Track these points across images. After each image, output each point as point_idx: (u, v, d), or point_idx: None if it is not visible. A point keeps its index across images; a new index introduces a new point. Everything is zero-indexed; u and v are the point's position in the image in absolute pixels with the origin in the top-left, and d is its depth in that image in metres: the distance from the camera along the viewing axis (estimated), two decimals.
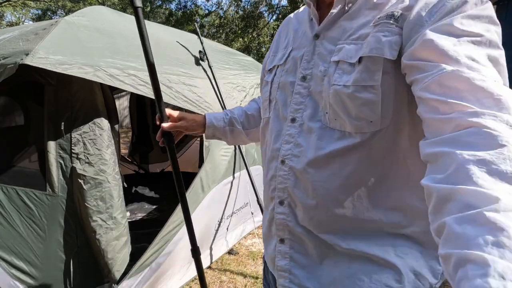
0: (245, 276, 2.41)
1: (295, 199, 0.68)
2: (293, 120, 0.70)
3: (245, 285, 2.31)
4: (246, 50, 13.42)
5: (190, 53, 2.65)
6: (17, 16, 19.58)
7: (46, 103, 1.79)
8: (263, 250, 2.84)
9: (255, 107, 1.03)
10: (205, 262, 2.49)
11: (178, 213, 2.04)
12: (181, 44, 2.69)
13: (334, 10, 0.66)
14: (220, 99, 2.50)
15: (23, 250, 1.78)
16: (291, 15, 0.88)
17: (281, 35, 0.85)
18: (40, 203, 1.80)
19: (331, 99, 0.63)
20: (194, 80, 2.38)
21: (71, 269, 1.76)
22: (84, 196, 1.74)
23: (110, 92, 1.94)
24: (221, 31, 14.48)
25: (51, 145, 1.79)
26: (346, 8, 0.66)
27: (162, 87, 2.00)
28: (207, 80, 2.55)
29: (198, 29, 2.82)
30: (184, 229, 2.08)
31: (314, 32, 0.71)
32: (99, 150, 1.80)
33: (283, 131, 0.72)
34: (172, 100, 2.08)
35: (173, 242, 2.03)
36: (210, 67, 2.59)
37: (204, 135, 1.02)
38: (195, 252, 1.21)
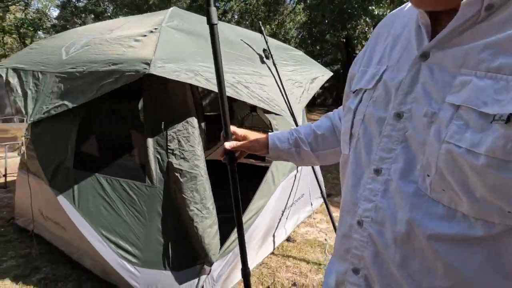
0: (307, 262, 2.61)
1: (374, 275, 0.54)
2: (377, 171, 0.53)
3: (310, 270, 2.51)
4: (273, 37, 13.30)
5: (255, 51, 2.77)
6: (44, 3, 20.12)
7: (146, 105, 1.98)
8: (318, 238, 3.05)
9: (327, 126, 0.89)
10: (269, 248, 2.71)
11: (256, 202, 2.23)
12: (245, 43, 2.80)
13: (459, 19, 0.43)
14: (285, 97, 2.63)
15: (127, 233, 2.03)
16: (398, 10, 0.64)
17: (379, 39, 0.63)
18: (140, 193, 2.03)
19: (441, 161, 0.44)
20: (263, 79, 2.51)
21: (169, 251, 2.00)
22: (181, 188, 1.94)
23: (198, 93, 2.10)
24: (246, 17, 14.39)
25: (150, 142, 2.00)
26: (482, 15, 0.42)
27: (239, 87, 2.17)
28: (272, 78, 2.67)
29: (262, 27, 2.91)
30: (258, 219, 2.28)
31: (421, 50, 0.49)
32: (192, 147, 1.98)
33: (363, 181, 0.56)
34: (250, 100, 2.22)
35: (250, 231, 2.24)
36: (274, 64, 2.70)
37: (270, 155, 0.94)
38: (246, 274, 1.12)
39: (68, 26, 17.84)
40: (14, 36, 16.19)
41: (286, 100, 2.64)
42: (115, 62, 1.82)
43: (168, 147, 1.99)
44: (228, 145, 0.94)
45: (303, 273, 2.48)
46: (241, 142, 0.94)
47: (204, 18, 0.95)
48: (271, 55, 2.74)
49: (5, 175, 4.63)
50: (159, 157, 2.01)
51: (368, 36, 7.46)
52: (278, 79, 2.68)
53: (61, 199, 2.08)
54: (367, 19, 9.33)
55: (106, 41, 2.21)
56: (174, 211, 2.03)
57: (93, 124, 2.31)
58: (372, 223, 0.53)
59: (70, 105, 1.98)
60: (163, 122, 1.94)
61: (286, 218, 2.88)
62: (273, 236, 2.74)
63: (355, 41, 10.90)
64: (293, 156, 0.91)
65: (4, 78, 2.72)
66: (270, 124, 2.55)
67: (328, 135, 0.88)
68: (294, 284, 2.33)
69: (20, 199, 2.84)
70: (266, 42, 2.78)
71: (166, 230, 2.02)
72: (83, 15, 18.34)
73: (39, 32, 16.27)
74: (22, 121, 6.05)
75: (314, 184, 2.80)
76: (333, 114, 0.90)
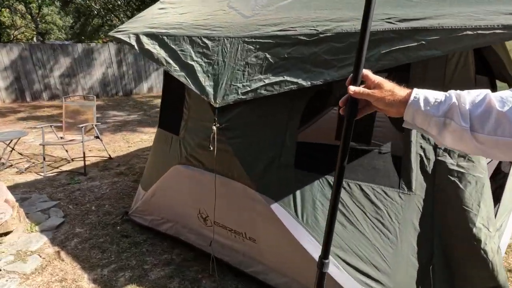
0: None
1: None
2: None
3: None
4: None
5: None
6: None
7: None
8: None
9: None
10: None
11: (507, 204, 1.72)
12: None
13: None
14: None
15: (370, 254, 1.54)
16: None
17: None
18: (391, 202, 1.52)
19: None
20: None
21: (429, 278, 1.52)
22: (461, 197, 1.42)
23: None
24: None
25: (412, 133, 1.45)
26: None
27: None
28: None
29: None
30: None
31: None
32: None
33: None
34: None
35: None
36: None
37: (404, 118, 0.72)
38: (322, 265, 0.86)
39: None
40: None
41: None
42: (419, 18, 1.22)
43: None
44: (353, 89, 0.74)
45: None
46: (370, 90, 0.74)
47: None
48: None
49: (84, 161, 4.15)
50: (423, 154, 1.47)
51: None
52: None
53: (276, 207, 1.57)
54: None
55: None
56: (434, 225, 1.52)
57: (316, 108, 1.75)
58: None
59: (304, 83, 1.40)
60: None
61: None
62: None
63: None
64: (438, 128, 0.68)
65: (137, 46, 2.13)
66: None
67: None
68: None
69: (159, 197, 2.36)
70: None
71: (425, 251, 1.53)
72: None
73: None
74: (87, 98, 5.53)
75: None
76: None
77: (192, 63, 1.83)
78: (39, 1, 17.07)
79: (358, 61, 0.74)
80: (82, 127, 4.13)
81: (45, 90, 9.85)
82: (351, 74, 0.75)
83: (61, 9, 19.49)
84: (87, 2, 16.90)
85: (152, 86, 11.73)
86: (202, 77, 1.76)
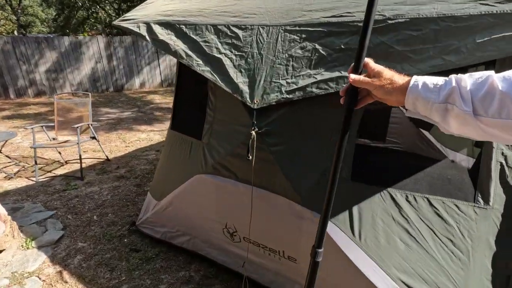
0: None
1: None
2: None
3: None
4: None
5: None
6: None
7: None
8: None
9: None
10: None
11: None
12: None
13: None
14: None
15: (437, 277, 1.33)
16: None
17: None
18: (464, 218, 1.30)
19: None
20: None
21: None
22: None
23: None
24: None
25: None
26: None
27: None
28: None
29: None
30: None
31: None
32: None
33: None
34: None
35: None
36: None
37: (405, 107, 0.70)
38: (316, 255, 0.89)
39: None
40: None
41: None
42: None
43: None
44: (353, 77, 0.75)
45: None
46: (370, 79, 0.73)
47: None
48: None
49: (80, 164, 3.82)
50: (504, 161, 1.26)
51: None
52: None
53: (330, 226, 1.34)
54: None
55: None
56: None
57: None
58: None
59: None
60: None
61: None
62: None
63: None
64: (440, 115, 0.64)
65: (148, 37, 1.84)
66: None
67: None
68: None
69: (175, 209, 2.10)
70: None
71: (501, 273, 1.33)
72: None
73: None
74: (83, 96, 5.13)
75: None
76: None
77: (220, 56, 1.56)
78: None
79: (361, 48, 0.74)
80: (77, 127, 3.79)
81: (31, 87, 9.30)
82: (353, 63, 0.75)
83: (43, 0, 18.57)
84: None
85: (144, 81, 11.27)
86: (233, 72, 1.50)
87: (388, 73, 0.72)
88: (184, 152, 1.96)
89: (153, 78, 11.45)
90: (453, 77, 0.63)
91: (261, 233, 1.66)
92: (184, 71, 2.08)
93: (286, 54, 1.39)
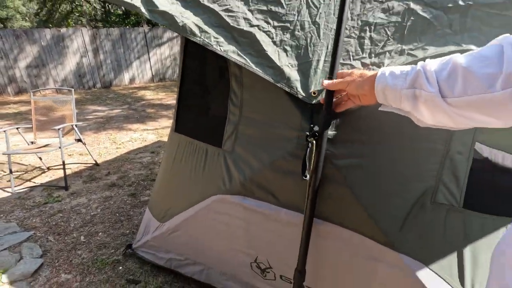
0: None
1: None
2: None
3: None
4: None
5: None
6: None
7: None
8: None
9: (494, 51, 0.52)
10: None
11: None
12: None
13: None
14: None
15: None
16: None
17: None
18: None
19: None
20: None
21: None
22: None
23: None
24: None
25: None
26: None
27: None
28: None
29: None
30: None
31: None
32: None
33: None
34: None
35: None
36: None
37: (376, 99, 0.70)
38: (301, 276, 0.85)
39: None
40: None
41: None
42: None
43: None
44: (326, 82, 0.83)
45: None
46: (340, 80, 0.79)
47: None
48: None
49: (64, 171, 3.29)
50: None
51: None
52: None
53: (428, 276, 0.90)
54: None
55: None
56: None
57: None
58: None
59: None
60: None
61: None
62: None
63: None
64: (410, 103, 0.63)
65: (144, 9, 1.35)
66: None
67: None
68: None
69: (185, 233, 1.63)
70: None
71: None
72: None
73: None
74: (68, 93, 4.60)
75: None
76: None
77: (251, 29, 1.09)
78: None
79: (334, 56, 0.83)
80: (59, 129, 3.25)
81: (10, 84, 8.59)
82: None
83: None
84: None
85: (134, 76, 10.62)
86: (273, 52, 1.03)
87: (359, 70, 0.76)
88: (195, 163, 1.49)
89: (143, 73, 10.81)
90: (420, 62, 0.62)
91: (311, 278, 1.21)
92: (192, 55, 1.59)
93: (359, 21, 0.93)
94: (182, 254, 1.81)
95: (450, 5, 0.82)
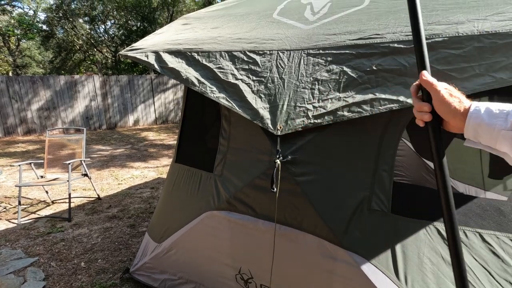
0: None
1: None
2: None
3: None
4: None
5: None
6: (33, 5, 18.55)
7: None
8: None
9: None
10: None
11: None
12: None
13: None
14: None
15: None
16: None
17: None
18: None
19: None
20: None
21: None
22: None
23: None
24: None
25: None
26: None
27: None
28: None
29: None
30: None
31: None
32: None
33: None
34: None
35: None
36: None
37: (465, 136, 0.65)
38: None
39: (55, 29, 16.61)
40: None
41: None
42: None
43: None
44: (426, 74, 0.68)
45: None
46: (435, 81, 0.67)
47: None
48: None
49: (69, 203, 3.52)
50: None
51: None
52: None
53: (369, 268, 1.15)
54: None
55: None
56: None
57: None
58: None
59: (411, 101, 1.07)
60: None
61: None
62: None
63: None
64: (508, 143, 0.58)
65: (157, 66, 1.76)
66: None
67: None
68: None
69: (179, 252, 1.85)
70: None
71: None
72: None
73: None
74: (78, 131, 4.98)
75: None
76: None
77: (236, 82, 1.47)
78: (19, 36, 16.65)
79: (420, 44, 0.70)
80: (69, 163, 3.56)
81: (21, 125, 9.10)
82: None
83: (41, 44, 19.07)
84: (70, 37, 16.66)
85: (138, 118, 11.22)
86: (251, 98, 1.40)
87: (458, 92, 0.65)
88: (191, 186, 1.78)
89: (147, 116, 11.43)
90: None
91: (283, 279, 1.43)
92: (192, 100, 1.98)
93: (311, 78, 1.30)
94: (175, 274, 2.00)
95: (368, 69, 1.19)
